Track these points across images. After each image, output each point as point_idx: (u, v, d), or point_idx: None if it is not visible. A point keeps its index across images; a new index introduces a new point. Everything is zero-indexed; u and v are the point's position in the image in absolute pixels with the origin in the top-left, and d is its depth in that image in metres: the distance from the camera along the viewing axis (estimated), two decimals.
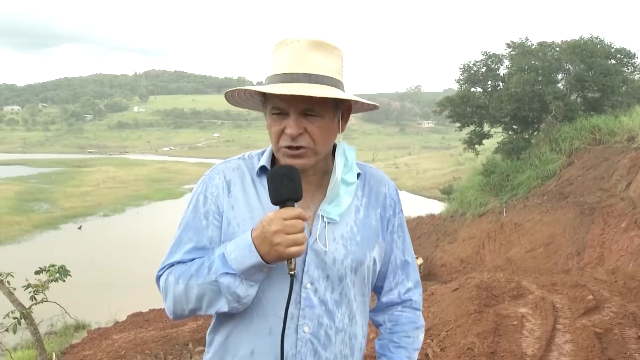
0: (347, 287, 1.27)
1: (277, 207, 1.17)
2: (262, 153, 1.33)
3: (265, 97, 1.22)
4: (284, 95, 1.14)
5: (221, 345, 1.27)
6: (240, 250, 1.14)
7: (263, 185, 1.25)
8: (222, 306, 1.17)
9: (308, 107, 1.17)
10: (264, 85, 1.21)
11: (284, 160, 1.22)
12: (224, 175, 1.28)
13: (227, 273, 1.14)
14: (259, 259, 1.13)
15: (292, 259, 1.14)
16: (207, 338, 1.34)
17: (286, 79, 1.18)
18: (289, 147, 1.20)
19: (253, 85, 1.32)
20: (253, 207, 1.25)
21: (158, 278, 1.26)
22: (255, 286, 1.17)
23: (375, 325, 1.46)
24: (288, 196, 1.14)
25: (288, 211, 1.12)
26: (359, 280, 1.30)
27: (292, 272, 1.15)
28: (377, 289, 1.41)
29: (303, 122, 1.18)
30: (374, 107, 1.28)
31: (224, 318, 1.26)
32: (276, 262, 1.15)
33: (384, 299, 1.41)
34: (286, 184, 1.14)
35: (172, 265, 1.25)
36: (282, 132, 1.19)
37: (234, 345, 1.25)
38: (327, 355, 1.24)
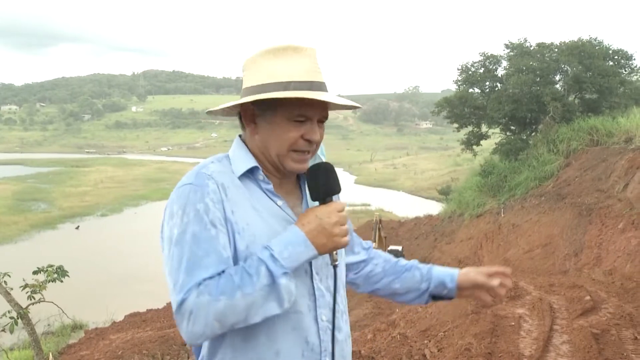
0: (339, 269, 1.34)
1: (311, 203, 1.27)
2: (227, 156, 1.29)
3: (276, 102, 1.21)
4: (313, 101, 1.18)
5: (234, 355, 1.21)
6: (293, 247, 1.15)
7: (248, 187, 1.24)
8: (272, 310, 1.14)
9: (324, 114, 1.24)
10: (283, 90, 1.19)
11: (291, 165, 1.25)
12: (215, 179, 1.20)
13: (285, 273, 1.14)
14: (315, 252, 1.17)
15: (337, 250, 1.21)
16: (207, 353, 1.24)
17: (313, 86, 1.21)
18: (300, 152, 1.24)
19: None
20: (257, 209, 1.23)
21: (182, 303, 1.09)
22: (294, 281, 1.18)
23: (369, 277, 1.51)
24: (336, 190, 1.23)
25: (338, 204, 1.20)
26: (343, 260, 1.38)
27: (336, 263, 1.23)
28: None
29: (316, 128, 1.25)
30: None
31: (229, 330, 1.18)
32: (326, 253, 1.20)
33: (353, 259, 1.50)
34: (333, 179, 1.24)
35: (199, 284, 1.10)
36: (299, 138, 1.23)
37: (255, 351, 1.21)
38: (340, 337, 1.30)
